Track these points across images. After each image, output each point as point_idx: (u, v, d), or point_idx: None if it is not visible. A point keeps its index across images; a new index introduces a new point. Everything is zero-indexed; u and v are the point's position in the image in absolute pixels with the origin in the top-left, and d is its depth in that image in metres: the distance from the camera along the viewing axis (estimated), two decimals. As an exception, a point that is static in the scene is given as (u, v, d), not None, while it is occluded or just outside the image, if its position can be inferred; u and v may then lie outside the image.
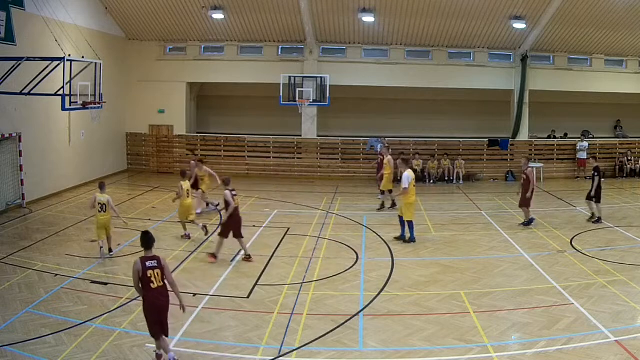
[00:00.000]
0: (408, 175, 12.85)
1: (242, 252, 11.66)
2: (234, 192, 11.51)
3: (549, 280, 10.29)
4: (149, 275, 6.89)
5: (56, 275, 10.37)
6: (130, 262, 11.12)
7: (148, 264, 6.93)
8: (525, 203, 14.56)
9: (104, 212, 11.54)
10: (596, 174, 15.05)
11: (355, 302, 9.33)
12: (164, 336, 7.05)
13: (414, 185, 13.03)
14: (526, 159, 15.14)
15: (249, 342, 7.84)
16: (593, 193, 14.87)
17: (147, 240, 7.17)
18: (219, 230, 11.73)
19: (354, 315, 8.77)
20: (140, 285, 6.95)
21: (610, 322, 8.32)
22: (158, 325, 6.98)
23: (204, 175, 15.69)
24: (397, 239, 13.09)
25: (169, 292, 7.14)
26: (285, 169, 23.27)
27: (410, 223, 12.99)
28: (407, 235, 13.03)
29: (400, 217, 13.09)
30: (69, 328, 8.08)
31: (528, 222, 14.46)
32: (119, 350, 7.45)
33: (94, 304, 9.02)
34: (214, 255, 11.44)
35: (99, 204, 11.56)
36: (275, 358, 7.42)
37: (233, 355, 7.49)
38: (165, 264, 7.09)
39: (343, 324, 8.44)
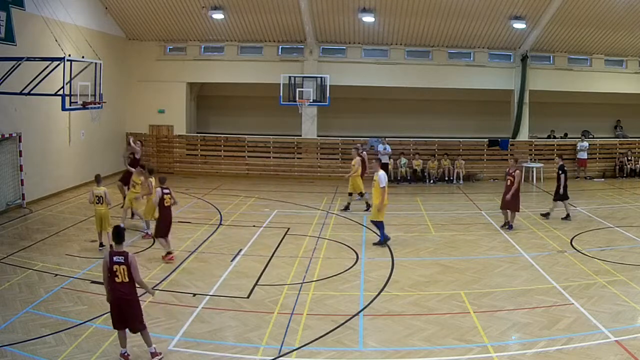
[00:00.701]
0: (385, 174, 12.69)
1: (171, 250, 11.58)
2: (165, 191, 11.46)
3: (549, 280, 10.28)
4: (114, 270, 7.06)
5: (56, 275, 10.36)
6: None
7: (115, 258, 7.08)
8: (513, 205, 14.16)
9: (101, 204, 11.85)
10: (561, 172, 15.32)
11: (355, 302, 9.32)
12: (127, 330, 7.24)
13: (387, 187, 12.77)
14: (514, 160, 14.94)
15: (249, 342, 7.83)
16: (562, 192, 15.18)
17: (117, 235, 7.33)
18: (154, 232, 11.84)
19: (354, 315, 8.77)
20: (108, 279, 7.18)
21: (610, 322, 8.31)
22: (118, 319, 7.15)
23: (139, 182, 13.63)
24: (375, 244, 12.72)
25: (137, 290, 7.25)
26: (285, 169, 23.27)
27: (380, 223, 12.70)
28: (385, 237, 12.75)
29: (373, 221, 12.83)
30: (69, 328, 8.07)
31: (509, 226, 14.21)
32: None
33: (94, 304, 9.00)
34: (169, 253, 11.45)
35: (96, 196, 11.88)
36: (275, 358, 7.42)
37: (233, 355, 7.49)
38: (133, 262, 7.13)
39: (343, 324, 8.43)
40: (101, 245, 12.00)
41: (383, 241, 12.66)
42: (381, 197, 12.41)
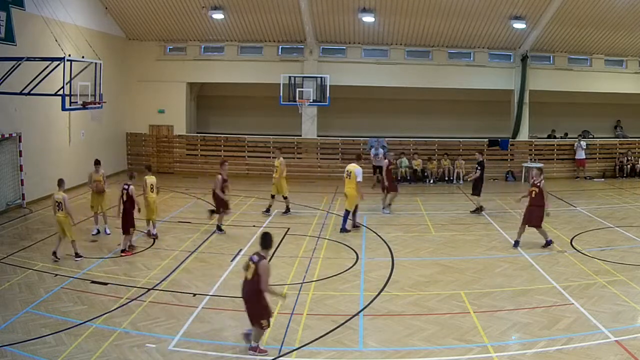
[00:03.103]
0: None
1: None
2: (125, 186, 12.14)
3: (549, 280, 10.29)
4: (248, 265, 7.51)
5: (56, 275, 10.37)
6: (132, 262, 11.32)
7: (253, 256, 7.49)
8: (539, 221, 12.30)
9: (60, 210, 11.10)
10: (479, 168, 15.98)
11: (355, 302, 9.33)
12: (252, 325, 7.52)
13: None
14: (539, 170, 13.02)
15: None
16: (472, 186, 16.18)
17: (262, 239, 7.57)
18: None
19: (354, 315, 8.77)
20: None
21: (610, 322, 8.32)
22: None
23: (100, 179, 13.50)
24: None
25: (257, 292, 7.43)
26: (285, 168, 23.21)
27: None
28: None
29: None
30: (69, 328, 8.07)
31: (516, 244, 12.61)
32: (119, 350, 7.45)
33: (94, 304, 9.01)
34: (123, 251, 11.87)
35: (55, 202, 11.13)
36: (275, 358, 7.42)
37: (233, 355, 7.50)
38: (260, 267, 7.31)
39: (343, 324, 8.44)
40: (69, 256, 11.39)
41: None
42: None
